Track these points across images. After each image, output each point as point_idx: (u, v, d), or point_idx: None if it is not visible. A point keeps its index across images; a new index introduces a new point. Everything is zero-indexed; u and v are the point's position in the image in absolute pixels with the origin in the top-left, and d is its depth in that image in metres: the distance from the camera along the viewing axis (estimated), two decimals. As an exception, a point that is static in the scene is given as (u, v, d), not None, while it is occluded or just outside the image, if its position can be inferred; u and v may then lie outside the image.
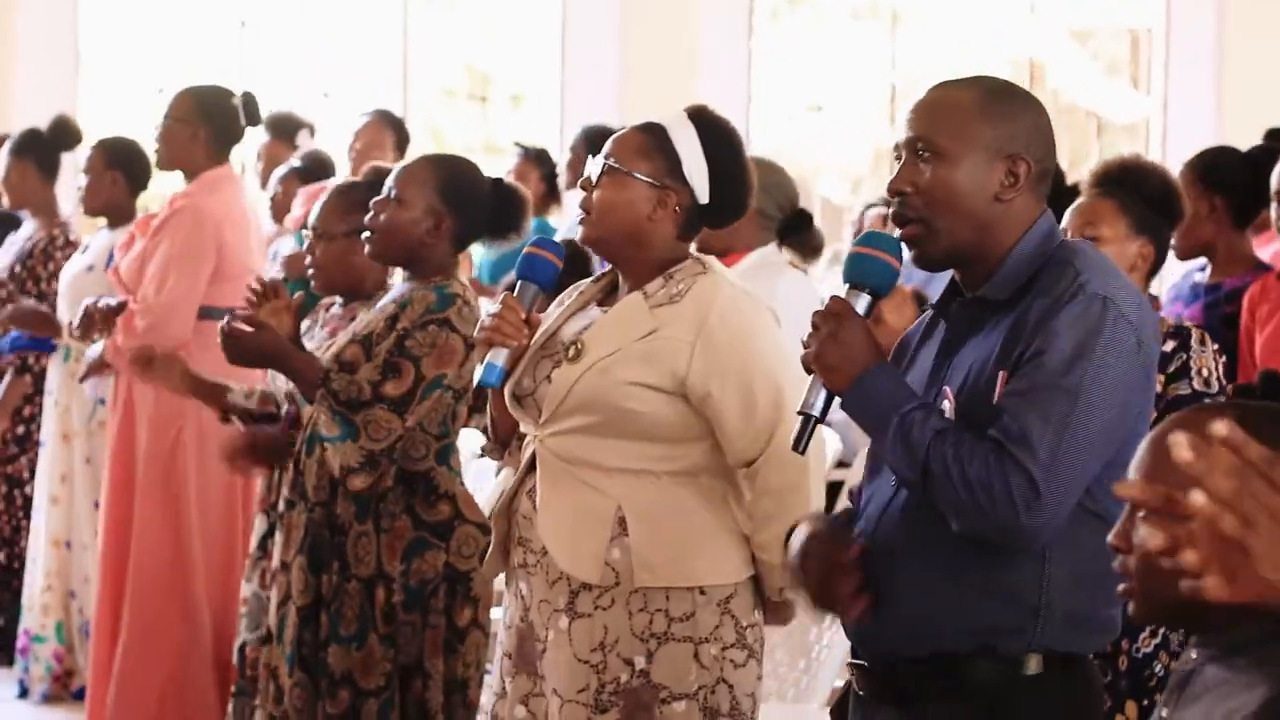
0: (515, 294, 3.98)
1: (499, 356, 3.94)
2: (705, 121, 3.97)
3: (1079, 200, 4.60)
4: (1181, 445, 1.89)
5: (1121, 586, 2.65)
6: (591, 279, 4.12)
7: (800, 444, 3.21)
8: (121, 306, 6.33)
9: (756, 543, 3.90)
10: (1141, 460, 2.61)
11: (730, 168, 3.96)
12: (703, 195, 3.93)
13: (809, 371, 3.17)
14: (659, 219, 3.93)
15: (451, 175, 4.81)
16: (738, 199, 4.01)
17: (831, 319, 3.14)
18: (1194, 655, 2.66)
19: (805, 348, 3.16)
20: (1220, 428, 1.90)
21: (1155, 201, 4.54)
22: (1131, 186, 4.54)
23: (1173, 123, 14.64)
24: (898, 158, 3.18)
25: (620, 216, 3.92)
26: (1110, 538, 2.66)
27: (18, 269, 7.51)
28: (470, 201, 4.78)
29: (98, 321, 6.36)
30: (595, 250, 4.07)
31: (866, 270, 3.19)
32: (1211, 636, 2.63)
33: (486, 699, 4.10)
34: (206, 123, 6.31)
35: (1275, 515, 1.87)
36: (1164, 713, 2.69)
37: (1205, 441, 1.92)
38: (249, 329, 4.74)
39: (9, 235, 7.87)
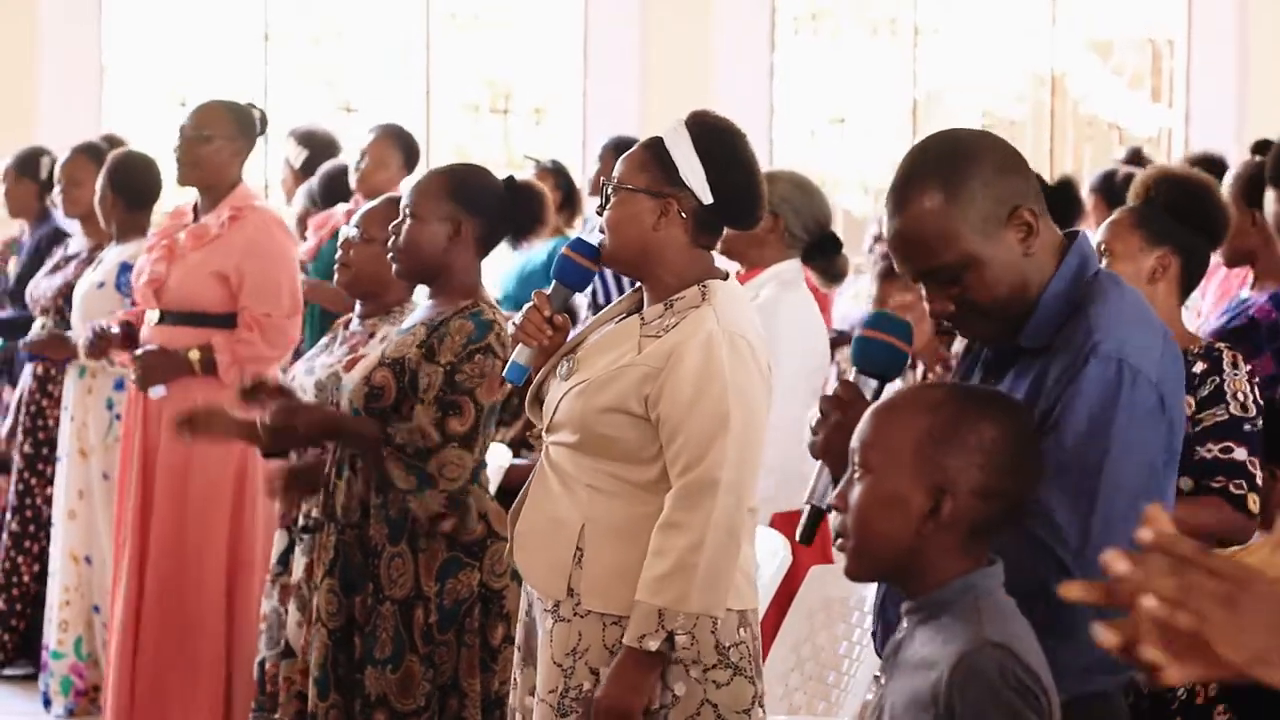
0: (548, 294, 4.03)
1: (523, 355, 4.02)
2: (698, 123, 3.97)
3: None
4: (1118, 561, 1.96)
5: (838, 543, 2.78)
6: (630, 292, 4.14)
7: (807, 535, 3.15)
8: (126, 325, 6.37)
9: (641, 578, 3.82)
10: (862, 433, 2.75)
11: (728, 163, 3.95)
12: (704, 195, 3.92)
13: (816, 458, 3.11)
14: (664, 227, 3.93)
15: (462, 179, 4.82)
16: (743, 193, 3.98)
17: (839, 406, 3.08)
18: (904, 623, 2.79)
19: (813, 434, 3.10)
20: (1145, 533, 1.97)
21: (1179, 211, 4.43)
22: (1154, 198, 4.46)
23: (1195, 134, 14.63)
24: (915, 280, 3.07)
25: (628, 232, 3.95)
26: (832, 498, 2.79)
27: (59, 288, 7.55)
28: (486, 201, 4.78)
29: (111, 343, 6.41)
30: (615, 269, 4.10)
31: (874, 356, 3.14)
32: (920, 599, 2.75)
33: (513, 696, 4.14)
34: (245, 139, 6.33)
35: (1220, 601, 1.93)
36: (882, 679, 2.81)
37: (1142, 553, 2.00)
38: (294, 413, 4.77)
39: (55, 249, 7.90)
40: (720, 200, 3.93)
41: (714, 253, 4.06)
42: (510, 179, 4.89)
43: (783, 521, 5.27)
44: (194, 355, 6.20)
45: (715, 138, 3.96)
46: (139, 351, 6.27)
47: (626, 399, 3.85)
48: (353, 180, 8.29)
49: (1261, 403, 4.26)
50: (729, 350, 3.86)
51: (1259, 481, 4.15)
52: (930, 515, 2.71)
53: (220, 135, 6.26)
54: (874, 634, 3.20)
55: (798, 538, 3.18)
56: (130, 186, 7.09)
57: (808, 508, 3.14)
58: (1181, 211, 4.43)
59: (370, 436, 4.67)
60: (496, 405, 4.71)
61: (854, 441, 2.77)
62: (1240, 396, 4.20)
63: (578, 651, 3.89)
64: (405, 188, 4.95)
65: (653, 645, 3.78)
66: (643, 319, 3.94)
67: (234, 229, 6.25)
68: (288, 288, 6.24)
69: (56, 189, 7.78)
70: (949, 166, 3.02)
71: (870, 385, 3.13)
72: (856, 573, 2.80)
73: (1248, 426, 4.16)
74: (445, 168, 4.96)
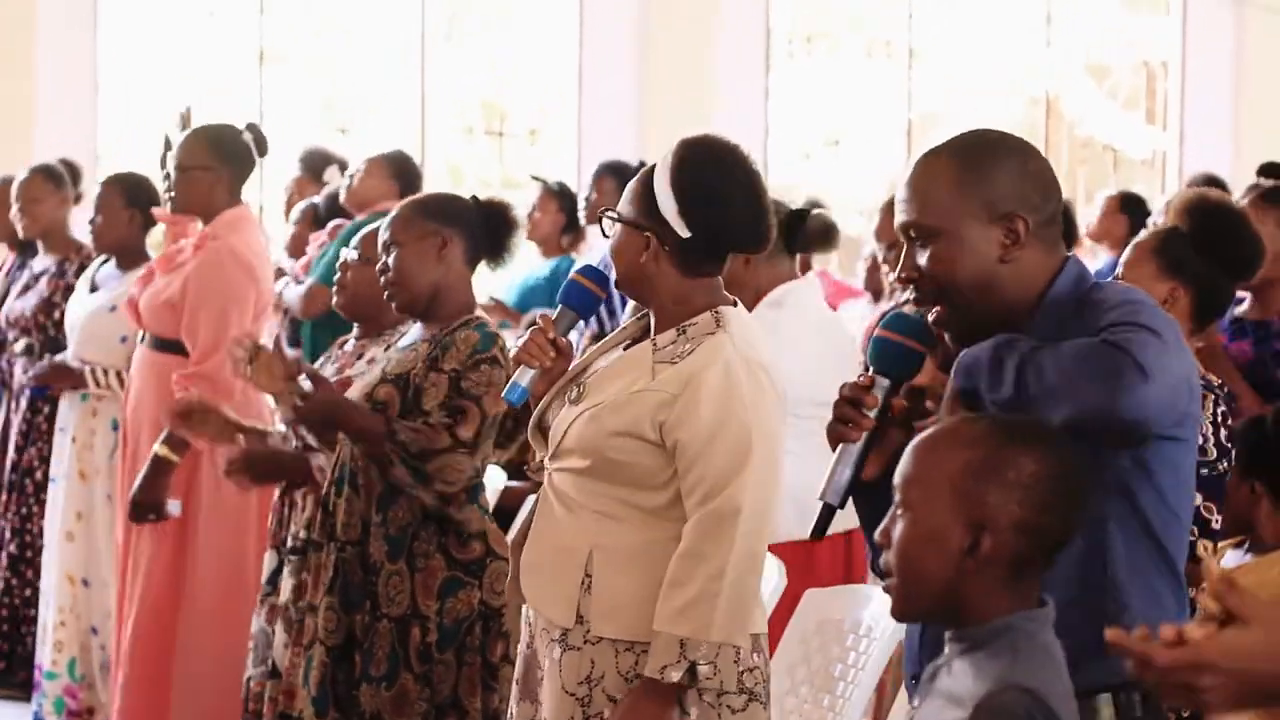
0: (554, 317, 3.98)
1: (524, 377, 3.95)
2: (682, 153, 3.83)
3: None
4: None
5: (884, 584, 2.76)
6: (635, 317, 4.08)
7: (818, 531, 3.14)
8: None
9: (658, 609, 3.78)
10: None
11: (706, 196, 3.81)
12: (680, 230, 3.81)
13: (834, 446, 3.12)
14: (650, 260, 3.85)
15: (432, 199, 4.89)
16: (718, 227, 3.82)
17: (848, 405, 3.08)
18: (946, 649, 2.74)
19: (834, 418, 3.11)
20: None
21: (1205, 241, 4.31)
22: (1183, 225, 4.33)
23: (1189, 156, 14.66)
24: (899, 239, 3.14)
25: (623, 262, 3.89)
26: (876, 535, 2.75)
27: (36, 306, 7.53)
28: (462, 213, 4.82)
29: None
30: (626, 295, 4.04)
31: (889, 357, 3.12)
32: (966, 630, 2.71)
33: None
34: (226, 165, 6.24)
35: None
36: (915, 703, 2.79)
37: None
38: (318, 382, 4.74)
39: (24, 268, 7.88)
40: (697, 234, 3.80)
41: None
42: (474, 197, 4.90)
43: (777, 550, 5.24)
44: (161, 451, 6.05)
45: (696, 169, 3.80)
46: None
47: (640, 424, 3.79)
48: (343, 197, 8.28)
49: (1229, 444, 4.15)
50: (748, 378, 3.80)
51: (1214, 527, 4.08)
52: (969, 551, 2.67)
53: (195, 165, 6.18)
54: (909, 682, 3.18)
55: (809, 535, 3.17)
56: (151, 209, 7.06)
57: (820, 504, 3.11)
58: (1208, 242, 4.32)
59: (375, 433, 4.66)
60: (498, 418, 4.70)
61: (896, 478, 2.75)
62: (1199, 439, 4.11)
63: (592, 679, 3.84)
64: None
65: (674, 676, 3.73)
66: (655, 345, 3.87)
67: (193, 258, 6.20)
68: (209, 327, 6.07)
69: (14, 209, 7.74)
70: (978, 148, 3.09)
71: (884, 385, 3.10)
72: (902, 612, 2.76)
73: (1204, 470, 4.03)
74: (412, 198, 5.02)
